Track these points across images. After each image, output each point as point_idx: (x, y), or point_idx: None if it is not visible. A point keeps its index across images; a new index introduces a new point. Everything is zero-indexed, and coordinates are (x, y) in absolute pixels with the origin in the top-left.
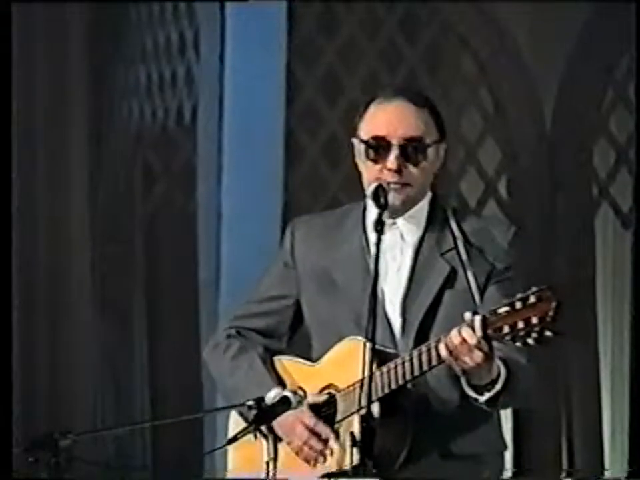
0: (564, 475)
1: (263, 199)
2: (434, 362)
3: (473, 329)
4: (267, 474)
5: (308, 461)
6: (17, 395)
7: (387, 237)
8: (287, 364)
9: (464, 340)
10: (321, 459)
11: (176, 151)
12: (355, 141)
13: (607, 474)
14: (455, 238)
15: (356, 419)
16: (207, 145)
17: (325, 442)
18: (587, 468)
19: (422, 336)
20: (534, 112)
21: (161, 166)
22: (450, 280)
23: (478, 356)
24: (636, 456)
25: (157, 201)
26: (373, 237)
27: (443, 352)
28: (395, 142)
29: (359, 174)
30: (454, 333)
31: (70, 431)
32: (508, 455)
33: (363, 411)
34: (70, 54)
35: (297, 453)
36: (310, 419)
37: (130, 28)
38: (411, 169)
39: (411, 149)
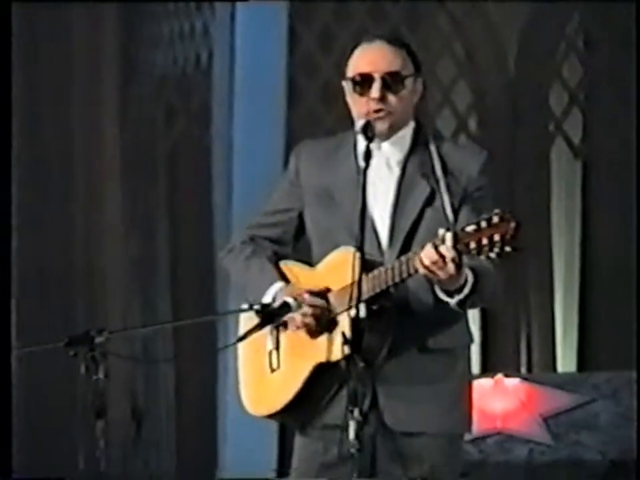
0: (523, 369)
1: (268, 134)
2: (412, 271)
3: (445, 244)
4: (270, 362)
5: (309, 332)
6: (58, 299)
7: (375, 161)
8: (290, 267)
9: (440, 254)
10: (317, 328)
11: (194, 92)
12: (344, 82)
13: (559, 368)
14: (433, 162)
15: (347, 320)
16: (221, 88)
17: (319, 311)
18: (542, 363)
19: (406, 247)
20: (499, 61)
21: (181, 105)
22: (430, 199)
23: (451, 267)
24: (584, 353)
25: (177, 135)
26: (362, 163)
27: (419, 265)
28: (377, 75)
29: (349, 111)
30: (429, 248)
31: (104, 329)
32: (475, 351)
33: (353, 310)
34: (104, 11)
35: (297, 327)
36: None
37: None
38: (392, 97)
39: (391, 81)
